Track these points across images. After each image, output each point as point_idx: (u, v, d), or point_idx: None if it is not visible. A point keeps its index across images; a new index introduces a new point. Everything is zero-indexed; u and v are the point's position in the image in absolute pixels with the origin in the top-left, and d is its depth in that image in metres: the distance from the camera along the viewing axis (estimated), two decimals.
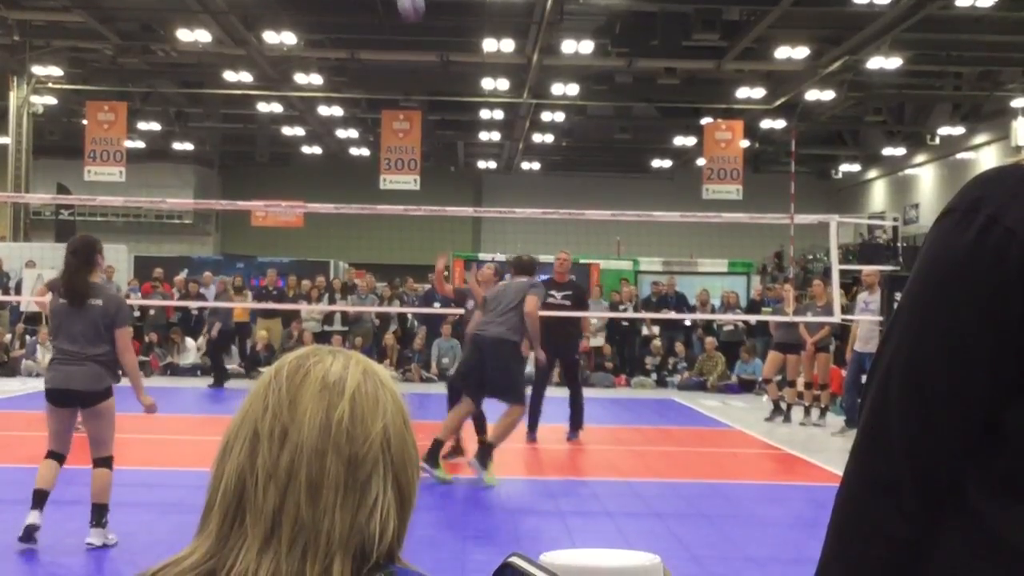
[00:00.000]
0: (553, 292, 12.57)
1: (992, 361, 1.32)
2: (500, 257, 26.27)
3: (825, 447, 12.70)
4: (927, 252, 1.39)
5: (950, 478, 1.36)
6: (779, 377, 15.73)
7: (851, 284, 20.47)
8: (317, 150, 33.89)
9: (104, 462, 7.08)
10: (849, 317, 15.19)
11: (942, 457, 1.36)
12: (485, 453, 9.81)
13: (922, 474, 1.36)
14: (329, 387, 1.31)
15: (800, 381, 15.36)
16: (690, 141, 29.06)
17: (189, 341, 20.86)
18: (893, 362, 1.39)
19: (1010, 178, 1.35)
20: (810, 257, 29.09)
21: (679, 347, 21.19)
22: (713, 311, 21.40)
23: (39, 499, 6.98)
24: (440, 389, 19.36)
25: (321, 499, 1.27)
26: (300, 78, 23.40)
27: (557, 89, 23.73)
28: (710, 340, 20.91)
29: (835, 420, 14.86)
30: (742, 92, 23.59)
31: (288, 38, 20.38)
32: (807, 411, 15.18)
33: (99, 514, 7.03)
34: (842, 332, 17.20)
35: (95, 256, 7.18)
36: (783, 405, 15.46)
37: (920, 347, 1.37)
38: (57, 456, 7.09)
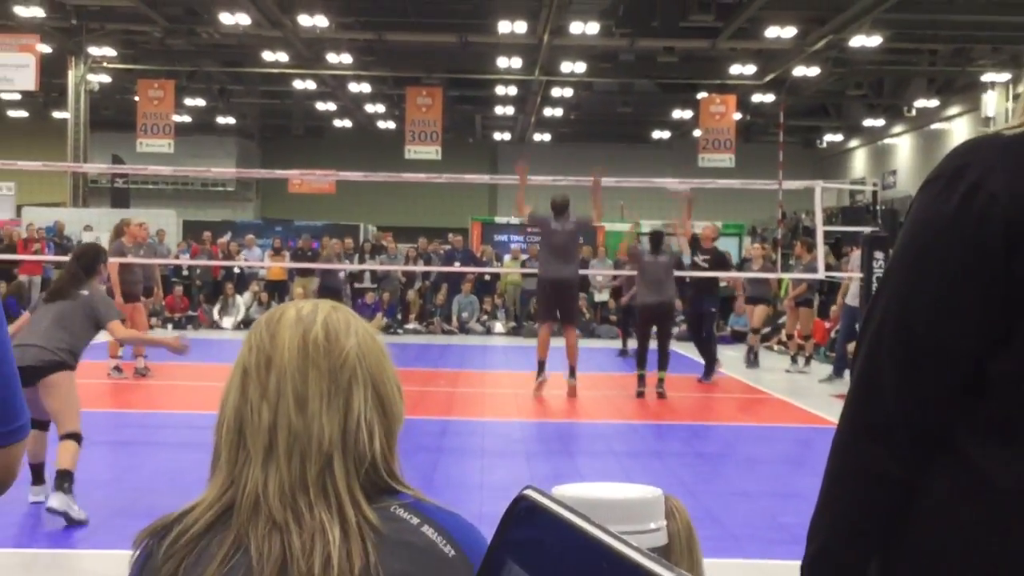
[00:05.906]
0: (697, 255, 13.95)
1: (977, 314, 1.31)
2: (514, 220, 26.33)
3: (810, 392, 12.68)
4: (916, 215, 1.38)
5: (939, 423, 1.35)
6: (768, 329, 15.76)
7: (834, 244, 20.35)
8: (348, 123, 33.76)
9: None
10: (834, 274, 15.12)
11: (931, 403, 1.35)
12: None
13: (912, 419, 1.35)
14: (303, 318, 1.36)
15: (784, 332, 15.39)
16: (687, 114, 28.87)
17: (239, 298, 20.73)
18: (886, 316, 1.38)
19: (991, 147, 1.34)
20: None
21: (677, 302, 21.07)
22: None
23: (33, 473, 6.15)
24: (460, 340, 19.47)
25: (308, 408, 1.31)
26: (332, 57, 23.31)
27: (566, 67, 23.58)
28: None
29: (819, 368, 14.83)
30: (735, 69, 23.39)
31: (320, 21, 20.38)
32: (793, 359, 15.19)
33: (63, 479, 5.77)
34: (829, 288, 17.13)
35: (98, 264, 6.53)
36: (754, 353, 15.58)
37: (911, 302, 1.36)
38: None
